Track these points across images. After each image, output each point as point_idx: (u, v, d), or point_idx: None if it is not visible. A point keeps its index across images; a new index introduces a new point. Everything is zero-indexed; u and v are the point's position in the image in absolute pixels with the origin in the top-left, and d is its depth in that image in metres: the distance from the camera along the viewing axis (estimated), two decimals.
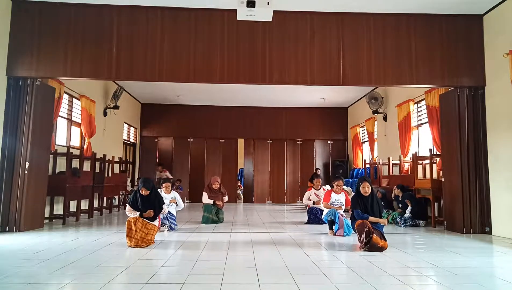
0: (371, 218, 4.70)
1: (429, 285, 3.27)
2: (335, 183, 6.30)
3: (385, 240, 4.56)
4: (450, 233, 6.21)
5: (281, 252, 4.43)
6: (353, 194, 6.37)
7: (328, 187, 8.73)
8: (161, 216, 5.49)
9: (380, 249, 4.45)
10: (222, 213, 7.37)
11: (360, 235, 4.60)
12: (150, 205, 4.96)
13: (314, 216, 7.26)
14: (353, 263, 3.95)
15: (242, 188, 14.59)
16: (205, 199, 7.27)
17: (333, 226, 5.87)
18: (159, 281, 3.21)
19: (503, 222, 5.88)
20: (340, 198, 6.16)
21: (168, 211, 6.06)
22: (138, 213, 4.89)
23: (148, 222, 4.93)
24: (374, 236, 4.46)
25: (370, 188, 4.86)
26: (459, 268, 3.77)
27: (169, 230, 6.02)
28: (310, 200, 7.58)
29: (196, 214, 8.63)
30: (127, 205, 4.99)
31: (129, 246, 4.62)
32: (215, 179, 7.42)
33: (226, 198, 7.50)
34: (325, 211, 6.11)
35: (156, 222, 5.08)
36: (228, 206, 10.16)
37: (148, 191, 4.93)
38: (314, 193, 7.60)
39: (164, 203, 5.32)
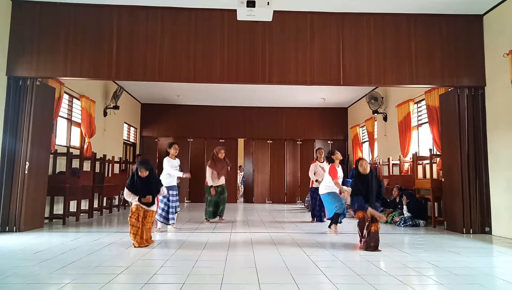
0: (370, 210, 4.62)
1: (429, 285, 3.27)
2: (334, 157, 6.20)
3: (376, 221, 4.60)
4: (450, 233, 6.22)
5: (281, 252, 4.43)
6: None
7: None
8: (160, 197, 5.46)
9: (377, 234, 4.53)
10: (224, 201, 7.16)
11: (361, 232, 4.64)
12: (149, 187, 4.86)
13: (318, 216, 7.46)
14: (353, 263, 3.95)
15: (242, 189, 14.58)
16: (210, 179, 6.95)
17: (339, 220, 6.01)
18: (159, 281, 3.21)
19: (503, 222, 5.88)
20: (340, 170, 6.17)
21: (170, 194, 6.00)
22: (137, 198, 4.79)
23: (146, 210, 4.86)
24: (372, 224, 4.52)
25: (369, 166, 4.83)
26: (459, 268, 3.77)
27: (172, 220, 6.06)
28: (315, 174, 7.48)
29: (196, 214, 8.63)
30: (125, 188, 4.85)
31: (134, 246, 4.61)
32: (220, 149, 7.21)
33: (229, 168, 7.38)
34: (334, 200, 5.99)
35: (154, 207, 5.03)
36: (228, 206, 10.12)
37: (147, 172, 4.85)
38: (319, 166, 7.49)
39: (162, 185, 5.20)
